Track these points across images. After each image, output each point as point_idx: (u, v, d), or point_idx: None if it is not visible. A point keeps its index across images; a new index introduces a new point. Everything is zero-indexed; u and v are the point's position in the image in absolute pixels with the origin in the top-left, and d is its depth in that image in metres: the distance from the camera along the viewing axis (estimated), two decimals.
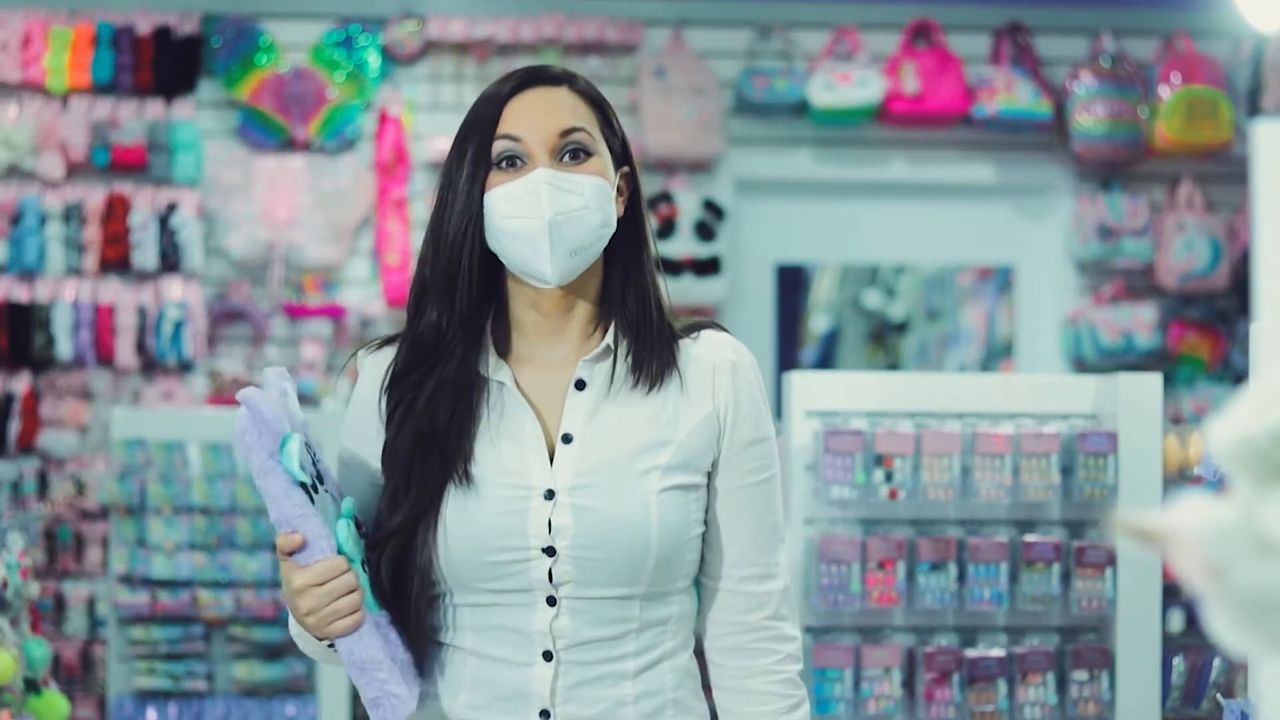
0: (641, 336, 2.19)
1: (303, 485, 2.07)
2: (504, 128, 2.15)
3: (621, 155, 2.22)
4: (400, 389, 2.19)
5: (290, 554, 2.06)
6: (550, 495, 2.14)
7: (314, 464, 2.13)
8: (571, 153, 2.15)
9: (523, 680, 2.14)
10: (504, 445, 2.16)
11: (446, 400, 2.16)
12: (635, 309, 2.21)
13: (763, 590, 2.23)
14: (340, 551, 2.08)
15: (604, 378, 2.19)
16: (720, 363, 2.21)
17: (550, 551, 2.12)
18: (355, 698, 5.43)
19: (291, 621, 2.18)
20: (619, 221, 2.20)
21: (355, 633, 2.08)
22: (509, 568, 2.12)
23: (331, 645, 2.12)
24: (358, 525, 2.14)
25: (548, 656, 2.14)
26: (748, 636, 2.23)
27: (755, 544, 2.22)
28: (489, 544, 2.12)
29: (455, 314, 2.16)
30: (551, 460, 2.16)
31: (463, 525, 2.12)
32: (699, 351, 2.22)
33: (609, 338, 2.20)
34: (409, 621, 2.15)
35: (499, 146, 2.14)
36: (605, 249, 2.20)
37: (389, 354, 2.23)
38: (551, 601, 2.13)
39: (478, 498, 2.13)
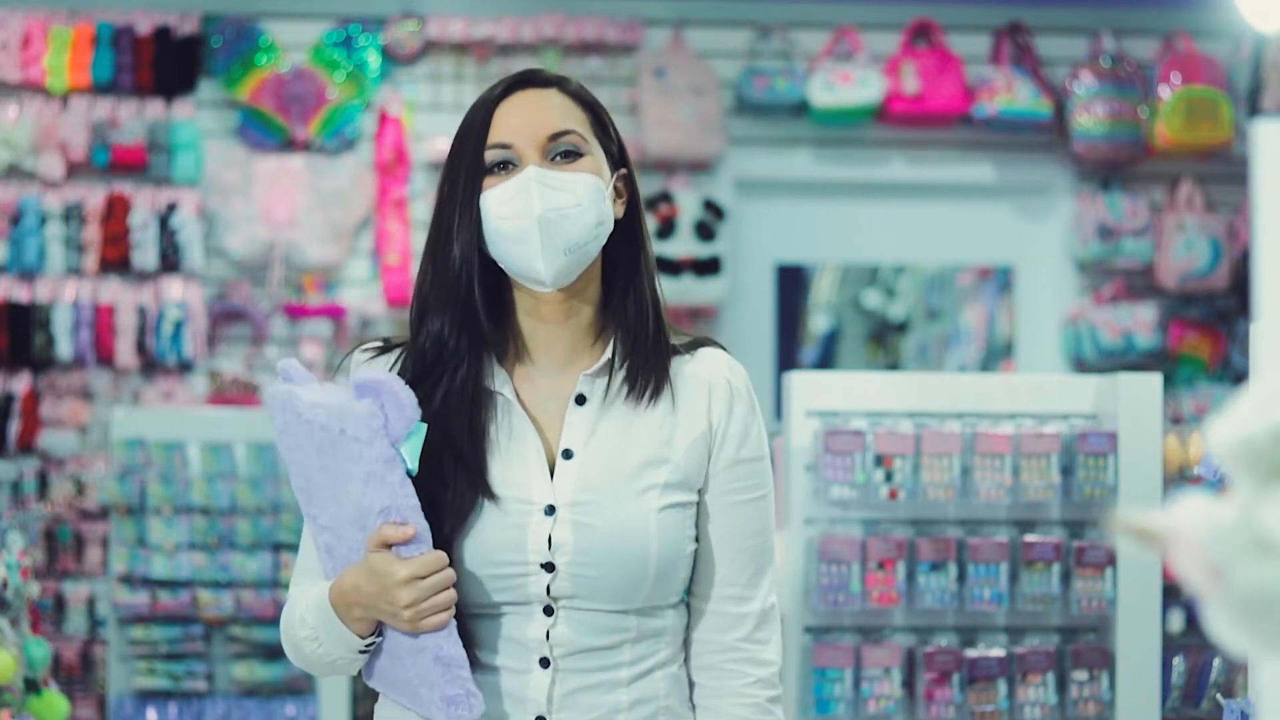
0: (639, 347, 2.19)
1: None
2: (494, 135, 2.15)
3: (619, 158, 2.22)
4: None
5: (392, 545, 2.06)
6: (550, 511, 2.13)
7: None
8: (563, 153, 2.15)
9: (520, 687, 2.14)
10: (507, 460, 2.16)
11: (456, 413, 2.15)
12: (634, 317, 2.20)
13: (739, 611, 2.22)
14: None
15: (604, 392, 2.19)
16: (716, 381, 2.21)
17: (549, 567, 2.12)
18: (355, 698, 5.43)
19: (289, 626, 2.17)
20: (618, 225, 2.20)
21: (446, 629, 2.08)
22: (508, 581, 2.12)
23: (371, 643, 2.12)
24: None
25: (544, 664, 2.13)
26: (721, 656, 2.22)
27: (735, 564, 2.21)
28: (490, 558, 2.12)
29: (459, 326, 2.15)
30: (552, 475, 2.16)
31: (465, 541, 2.12)
32: (696, 369, 2.22)
33: (609, 351, 2.20)
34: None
35: (490, 155, 2.14)
36: (604, 254, 2.19)
37: (386, 363, 2.21)
38: (549, 611, 2.13)
39: (480, 512, 2.13)
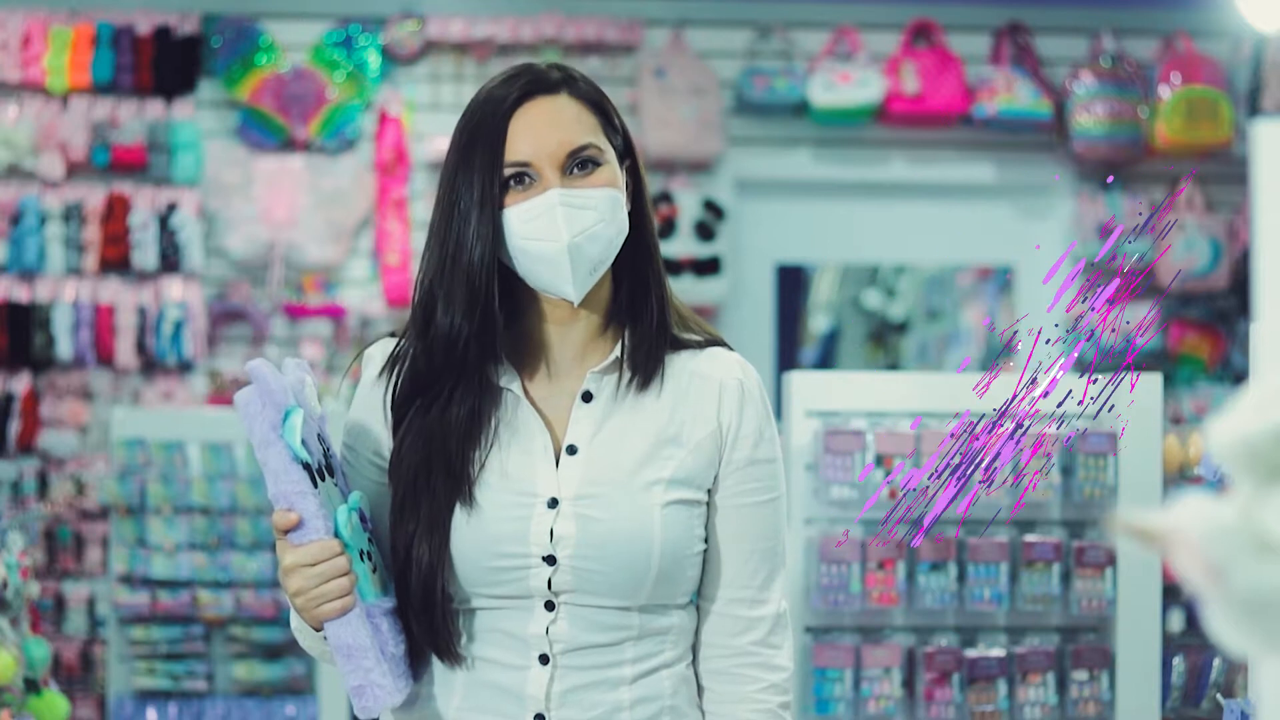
0: (644, 338, 2.19)
1: (305, 465, 2.05)
2: (511, 152, 2.12)
3: (624, 150, 2.21)
4: (410, 401, 2.17)
5: (286, 532, 2.04)
6: (554, 504, 2.13)
7: (325, 455, 2.13)
8: (580, 164, 2.13)
9: (518, 683, 2.13)
10: (511, 454, 2.15)
11: (460, 411, 2.15)
12: (641, 310, 2.20)
13: (752, 615, 2.20)
14: (337, 535, 2.06)
15: (611, 389, 2.18)
16: (728, 381, 2.20)
17: (550, 560, 2.11)
18: None
19: (293, 615, 2.16)
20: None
21: (343, 618, 2.06)
22: (509, 574, 2.12)
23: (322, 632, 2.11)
24: (362, 519, 2.13)
25: (544, 660, 2.13)
26: (733, 660, 2.20)
27: (747, 566, 2.20)
28: (491, 549, 2.11)
29: (472, 326, 2.13)
30: (557, 470, 2.15)
31: (468, 531, 2.12)
32: (707, 368, 2.21)
33: (617, 349, 2.19)
34: (440, 627, 2.13)
35: (508, 170, 2.12)
36: None
37: (390, 345, 2.21)
38: (550, 606, 2.13)
39: (483, 504, 2.13)
